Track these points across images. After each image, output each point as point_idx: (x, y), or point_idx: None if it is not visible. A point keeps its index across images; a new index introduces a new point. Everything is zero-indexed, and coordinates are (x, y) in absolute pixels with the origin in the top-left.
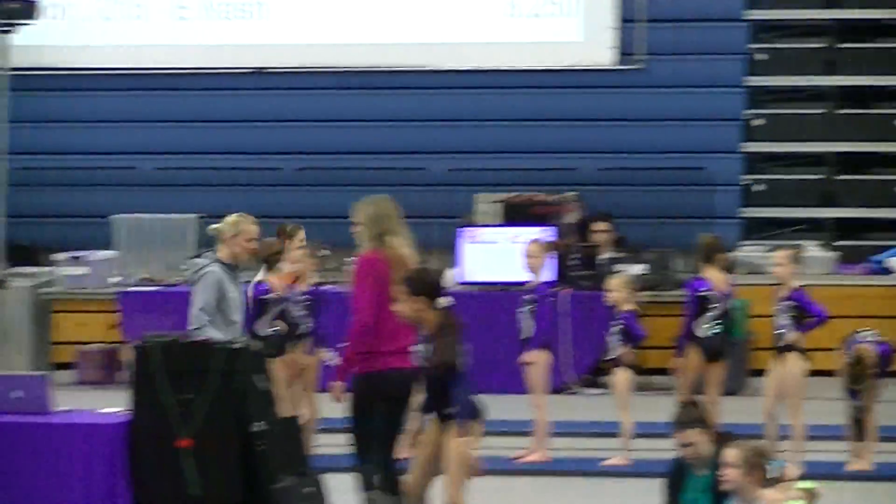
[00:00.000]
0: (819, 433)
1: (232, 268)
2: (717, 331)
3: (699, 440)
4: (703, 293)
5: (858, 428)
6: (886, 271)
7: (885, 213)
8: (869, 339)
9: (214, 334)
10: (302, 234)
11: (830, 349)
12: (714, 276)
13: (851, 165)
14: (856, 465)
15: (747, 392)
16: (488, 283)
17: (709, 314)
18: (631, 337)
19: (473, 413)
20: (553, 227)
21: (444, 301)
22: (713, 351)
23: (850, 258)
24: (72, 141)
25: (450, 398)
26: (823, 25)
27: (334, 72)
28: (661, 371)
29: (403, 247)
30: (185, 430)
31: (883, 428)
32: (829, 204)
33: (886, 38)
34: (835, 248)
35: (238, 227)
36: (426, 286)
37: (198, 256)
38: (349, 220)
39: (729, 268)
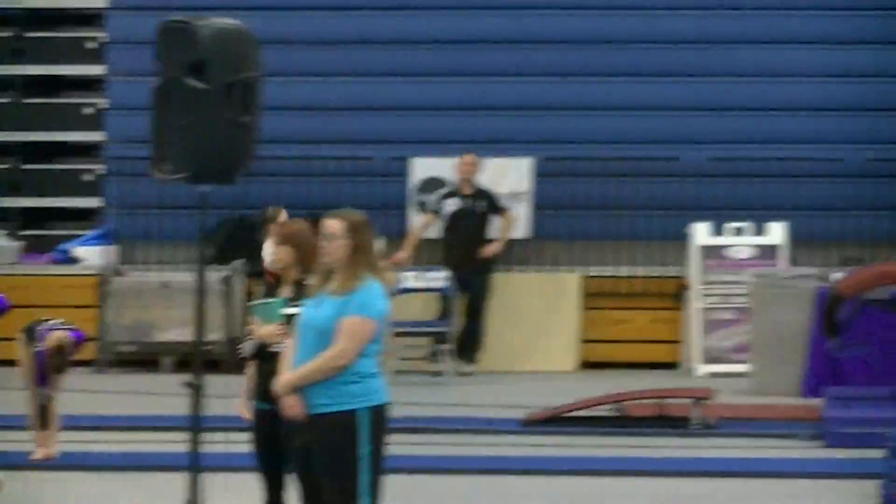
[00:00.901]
0: (2, 423)
1: None
2: None
3: None
4: None
5: (43, 416)
6: (74, 260)
7: (71, 203)
8: (58, 326)
9: None
10: None
11: (12, 339)
12: None
13: (38, 154)
14: (41, 454)
15: None
16: None
17: None
18: None
19: None
20: None
21: None
22: None
23: (36, 247)
24: None
25: None
26: (11, 14)
27: None
28: None
29: None
30: None
31: (65, 417)
32: (15, 193)
33: (72, 26)
34: (20, 238)
35: None
36: None
37: None
38: None
39: None
